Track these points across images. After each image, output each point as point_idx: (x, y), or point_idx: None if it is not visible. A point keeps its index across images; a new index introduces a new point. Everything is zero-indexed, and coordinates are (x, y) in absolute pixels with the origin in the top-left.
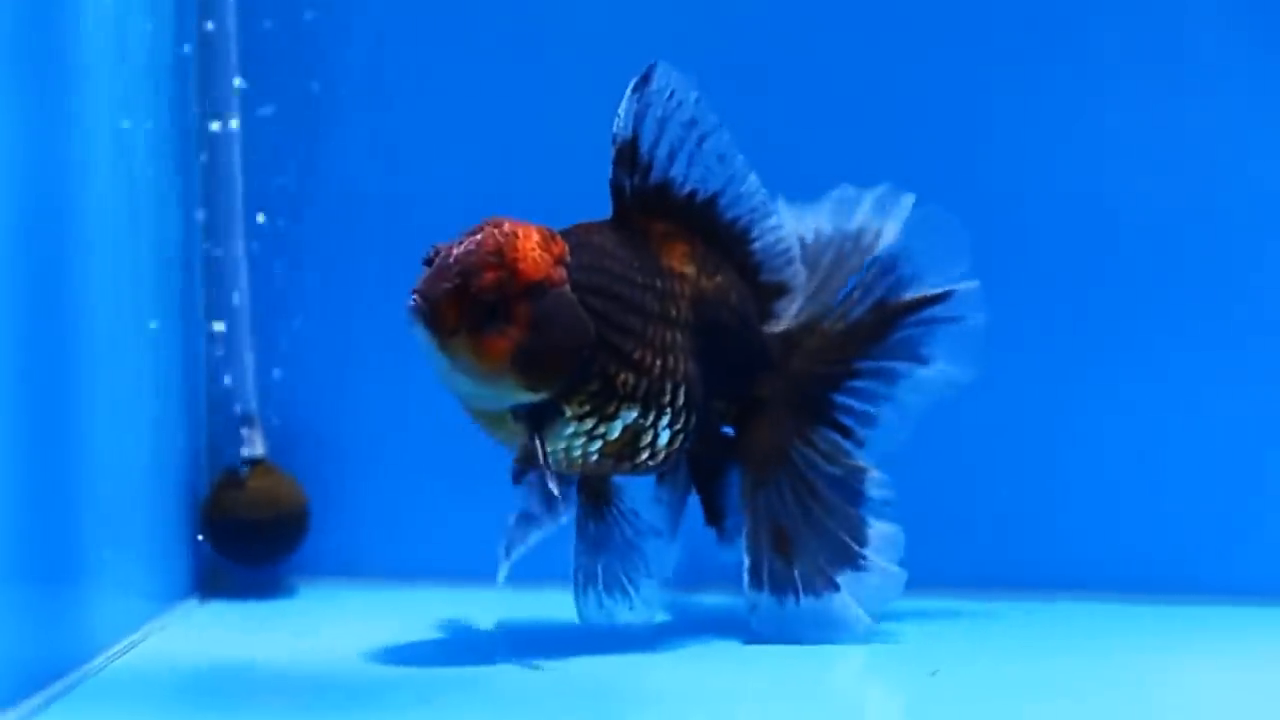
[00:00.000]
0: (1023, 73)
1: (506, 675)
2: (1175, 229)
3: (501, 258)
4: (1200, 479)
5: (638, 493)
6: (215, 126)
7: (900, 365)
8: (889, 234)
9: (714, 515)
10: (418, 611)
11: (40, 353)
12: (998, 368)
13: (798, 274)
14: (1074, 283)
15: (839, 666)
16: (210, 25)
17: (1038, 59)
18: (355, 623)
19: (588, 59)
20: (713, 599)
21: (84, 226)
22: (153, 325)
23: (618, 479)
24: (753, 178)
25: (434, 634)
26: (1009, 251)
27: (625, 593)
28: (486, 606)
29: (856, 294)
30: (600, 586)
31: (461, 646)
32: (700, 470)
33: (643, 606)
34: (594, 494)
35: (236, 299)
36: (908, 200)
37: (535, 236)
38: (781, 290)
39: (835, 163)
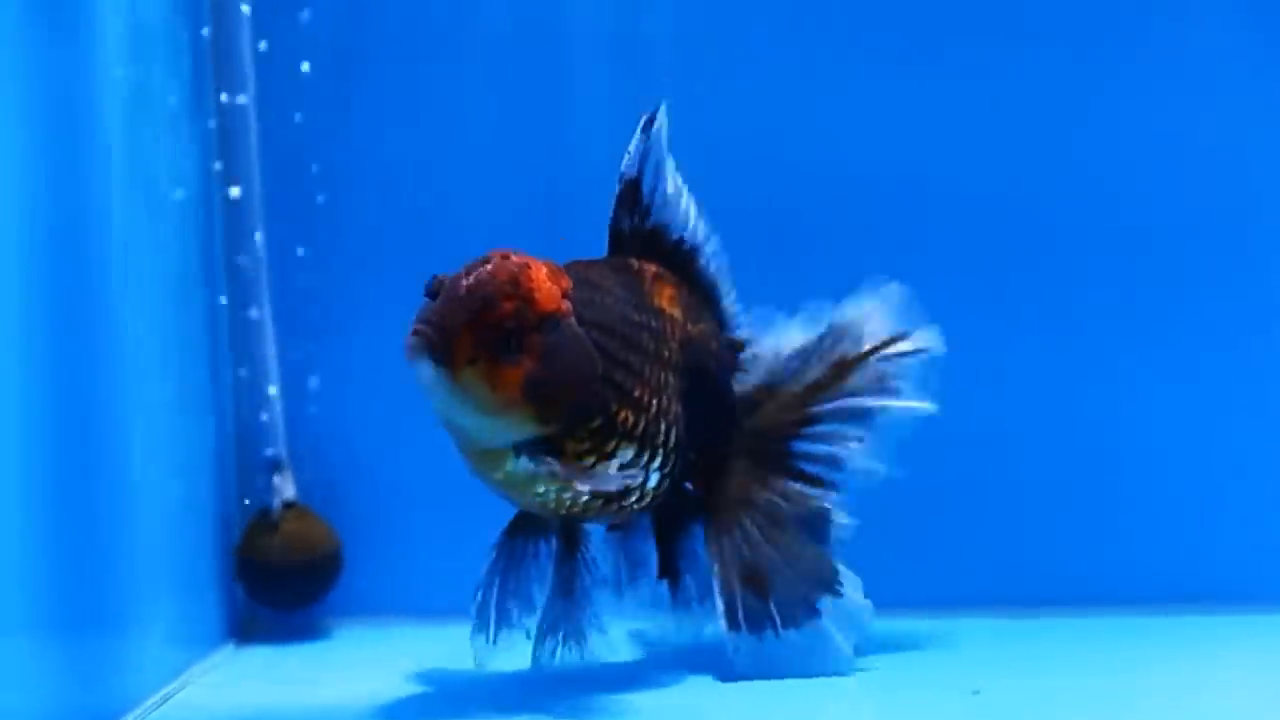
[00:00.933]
0: (1052, 72)
1: (546, 715)
2: (1203, 235)
3: (517, 287)
4: (1221, 488)
5: (598, 541)
6: (235, 192)
7: (870, 402)
8: (842, 310)
9: (669, 570)
10: (452, 651)
11: (72, 401)
12: (1010, 378)
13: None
14: (1083, 291)
15: (853, 692)
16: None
17: (1088, 60)
18: (392, 664)
19: (576, 102)
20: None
21: (116, 275)
22: (183, 371)
23: (586, 525)
24: (715, 238)
25: (469, 674)
26: (1022, 262)
27: (579, 642)
28: (522, 647)
29: (813, 359)
30: (560, 634)
31: (497, 687)
32: (660, 522)
33: (591, 654)
34: (569, 538)
35: (266, 339)
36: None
37: (544, 269)
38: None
39: (852, 171)
